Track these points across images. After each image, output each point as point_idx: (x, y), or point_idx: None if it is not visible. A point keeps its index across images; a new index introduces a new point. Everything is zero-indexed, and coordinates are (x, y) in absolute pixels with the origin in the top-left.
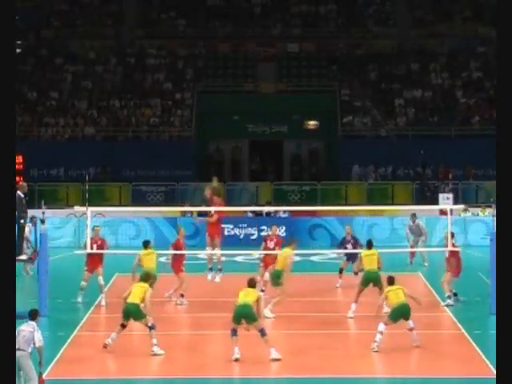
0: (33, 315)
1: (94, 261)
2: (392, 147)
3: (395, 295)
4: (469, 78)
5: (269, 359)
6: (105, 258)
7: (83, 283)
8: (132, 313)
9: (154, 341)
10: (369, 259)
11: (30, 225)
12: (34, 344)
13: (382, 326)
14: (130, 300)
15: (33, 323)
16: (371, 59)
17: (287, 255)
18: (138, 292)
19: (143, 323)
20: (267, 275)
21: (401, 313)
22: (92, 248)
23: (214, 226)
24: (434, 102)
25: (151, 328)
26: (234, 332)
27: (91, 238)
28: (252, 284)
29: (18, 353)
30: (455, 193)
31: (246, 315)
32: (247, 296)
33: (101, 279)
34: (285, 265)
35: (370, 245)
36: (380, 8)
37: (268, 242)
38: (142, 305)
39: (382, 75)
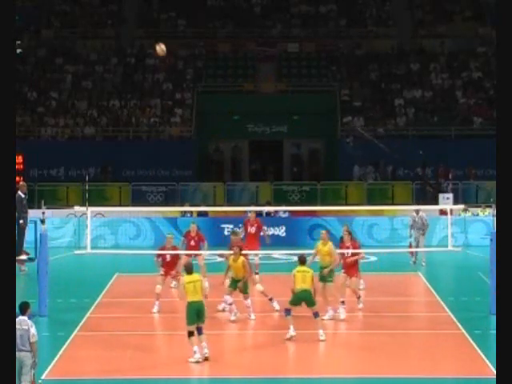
0: (24, 309)
1: (169, 267)
2: (391, 148)
3: (302, 278)
4: (469, 77)
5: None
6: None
7: (158, 287)
8: (201, 311)
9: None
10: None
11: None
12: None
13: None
14: (195, 299)
15: (25, 318)
16: (371, 59)
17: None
18: (197, 288)
19: (202, 324)
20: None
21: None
22: (165, 259)
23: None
24: (434, 102)
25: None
26: (289, 312)
27: (164, 248)
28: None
29: (22, 353)
30: (455, 193)
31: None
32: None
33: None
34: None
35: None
36: (380, 8)
37: (249, 227)
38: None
39: (382, 75)
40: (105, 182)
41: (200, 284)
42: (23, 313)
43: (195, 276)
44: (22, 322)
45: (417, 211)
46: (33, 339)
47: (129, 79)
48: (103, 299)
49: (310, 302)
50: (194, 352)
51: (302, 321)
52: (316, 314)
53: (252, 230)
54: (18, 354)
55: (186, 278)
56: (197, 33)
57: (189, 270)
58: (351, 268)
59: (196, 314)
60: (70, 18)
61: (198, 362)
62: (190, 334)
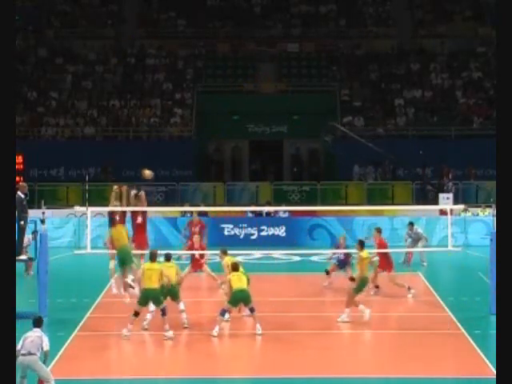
0: (38, 322)
1: (139, 236)
2: (390, 149)
3: (238, 279)
4: (469, 77)
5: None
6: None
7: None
8: (156, 298)
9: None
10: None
11: (31, 237)
12: (42, 348)
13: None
14: (150, 286)
15: (38, 330)
16: (371, 59)
17: None
18: (154, 277)
19: (159, 308)
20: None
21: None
22: (136, 219)
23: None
24: (434, 102)
25: (164, 313)
26: (224, 313)
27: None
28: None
29: (28, 357)
30: (455, 193)
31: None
32: (241, 281)
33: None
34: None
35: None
36: (380, 8)
37: (193, 227)
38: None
39: (382, 75)
40: (105, 182)
41: (159, 273)
42: (37, 325)
43: (156, 265)
44: (36, 330)
45: (411, 227)
46: (46, 348)
47: (129, 79)
48: (103, 299)
49: (247, 301)
50: (128, 330)
51: (299, 321)
52: (252, 310)
53: (196, 229)
54: (26, 357)
55: (146, 264)
56: (197, 33)
57: (152, 257)
58: (381, 262)
59: (150, 300)
60: (69, 18)
61: (127, 337)
62: (136, 313)
